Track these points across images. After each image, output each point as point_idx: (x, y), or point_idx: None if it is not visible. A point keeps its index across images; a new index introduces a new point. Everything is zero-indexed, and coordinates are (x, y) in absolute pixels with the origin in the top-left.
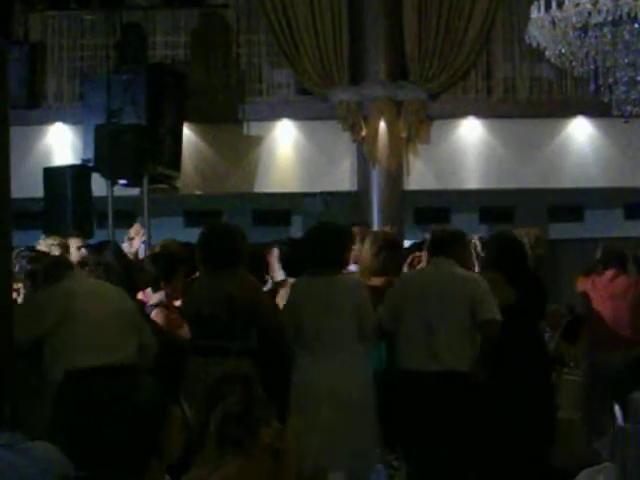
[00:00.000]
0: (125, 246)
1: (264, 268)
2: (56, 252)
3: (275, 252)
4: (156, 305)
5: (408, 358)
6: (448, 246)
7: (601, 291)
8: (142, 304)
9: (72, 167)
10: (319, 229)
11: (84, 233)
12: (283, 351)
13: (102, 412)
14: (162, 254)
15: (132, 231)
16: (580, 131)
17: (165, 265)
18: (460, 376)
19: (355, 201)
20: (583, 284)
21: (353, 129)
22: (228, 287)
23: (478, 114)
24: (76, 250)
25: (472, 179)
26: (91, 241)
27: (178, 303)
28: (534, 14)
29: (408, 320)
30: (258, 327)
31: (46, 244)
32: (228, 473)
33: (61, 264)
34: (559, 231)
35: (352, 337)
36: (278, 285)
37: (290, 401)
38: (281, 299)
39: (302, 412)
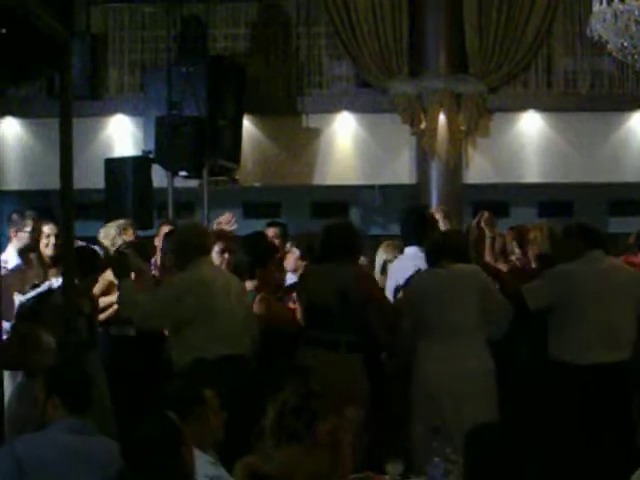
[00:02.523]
0: None
1: None
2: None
3: (295, 252)
4: (257, 293)
5: (585, 349)
6: (603, 240)
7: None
8: None
9: (133, 158)
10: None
11: (143, 224)
12: (394, 348)
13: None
14: (258, 242)
15: (223, 219)
16: None
17: (261, 253)
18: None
19: (414, 194)
20: None
21: (412, 122)
22: (341, 280)
23: (538, 107)
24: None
25: (531, 173)
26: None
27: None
28: (596, 7)
29: (578, 310)
30: (371, 321)
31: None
32: (283, 463)
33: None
34: (619, 225)
35: (474, 326)
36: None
37: (411, 391)
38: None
39: (422, 403)
